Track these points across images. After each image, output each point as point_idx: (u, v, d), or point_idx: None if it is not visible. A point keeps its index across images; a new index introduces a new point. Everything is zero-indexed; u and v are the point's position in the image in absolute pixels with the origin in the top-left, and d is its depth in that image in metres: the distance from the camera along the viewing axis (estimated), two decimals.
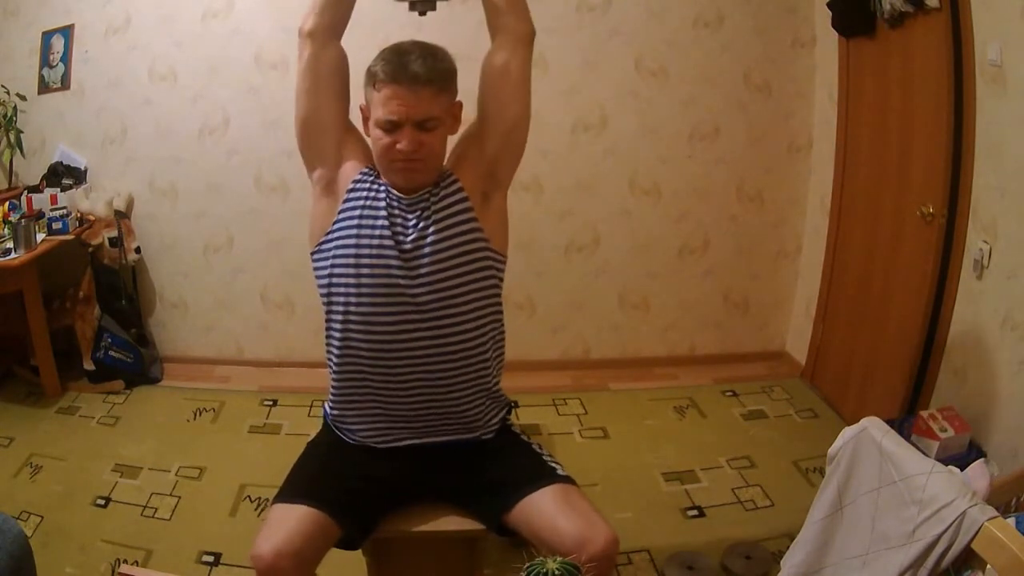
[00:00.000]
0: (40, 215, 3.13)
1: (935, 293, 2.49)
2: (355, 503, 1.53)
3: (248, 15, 3.15)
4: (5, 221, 3.03)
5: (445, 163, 1.60)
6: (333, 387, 1.64)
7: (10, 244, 2.95)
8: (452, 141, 1.61)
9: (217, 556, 2.24)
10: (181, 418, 3.09)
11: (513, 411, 2.01)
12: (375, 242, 1.52)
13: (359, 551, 1.63)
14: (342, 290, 1.54)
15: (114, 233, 3.25)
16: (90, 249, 3.24)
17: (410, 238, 1.52)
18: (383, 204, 1.54)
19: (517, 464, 1.59)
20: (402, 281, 1.51)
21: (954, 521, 1.39)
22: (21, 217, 3.04)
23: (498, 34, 1.58)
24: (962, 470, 1.56)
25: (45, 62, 3.29)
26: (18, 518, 2.24)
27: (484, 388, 1.62)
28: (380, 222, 1.52)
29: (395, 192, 1.55)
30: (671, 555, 2.23)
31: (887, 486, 1.58)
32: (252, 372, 3.47)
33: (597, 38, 3.19)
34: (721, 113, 3.30)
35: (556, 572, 1.01)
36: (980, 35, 2.23)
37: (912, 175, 2.63)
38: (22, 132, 3.32)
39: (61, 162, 3.35)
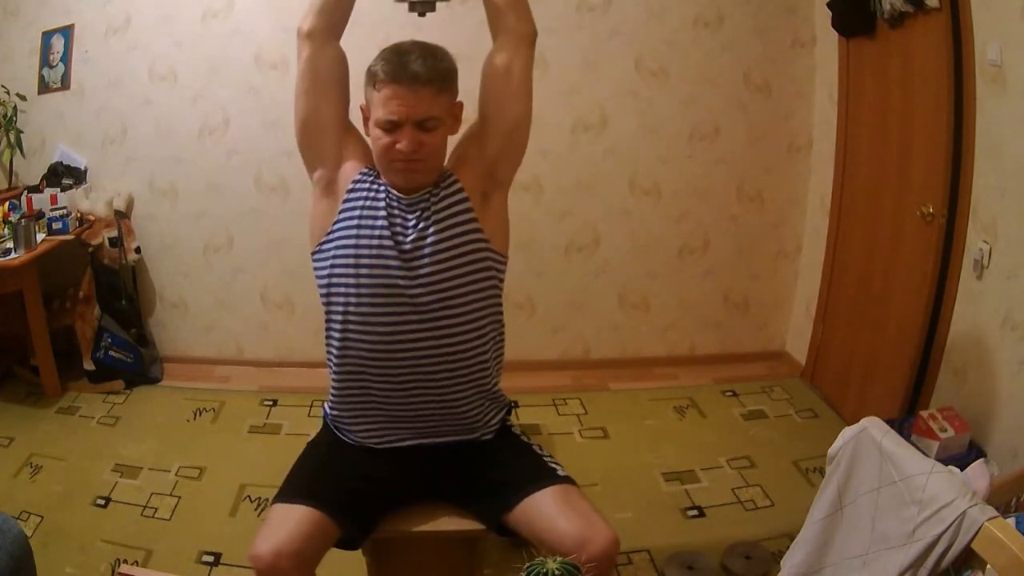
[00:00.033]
0: (40, 215, 3.13)
1: (935, 293, 2.49)
2: (355, 503, 1.53)
3: (248, 15, 3.15)
4: (5, 221, 3.03)
5: (445, 163, 1.60)
6: (333, 387, 1.64)
7: (10, 244, 2.95)
8: (453, 141, 1.61)
9: (217, 556, 2.24)
10: (181, 418, 3.09)
11: (513, 411, 2.01)
12: (374, 242, 1.52)
13: (359, 551, 1.63)
14: (342, 290, 1.54)
15: (114, 233, 3.25)
16: (90, 249, 3.24)
17: (410, 238, 1.52)
18: (383, 204, 1.54)
19: (517, 465, 1.59)
20: (401, 281, 1.51)
21: (954, 521, 1.39)
22: (21, 217, 3.04)
23: (500, 34, 1.58)
24: (962, 470, 1.56)
25: (45, 62, 3.29)
26: (18, 518, 2.24)
27: (483, 389, 1.62)
28: (379, 222, 1.52)
29: (395, 192, 1.55)
30: (671, 555, 2.23)
31: (887, 486, 1.58)
32: (252, 372, 3.47)
33: (597, 38, 3.19)
34: (721, 113, 3.30)
35: (556, 572, 1.01)
36: (980, 35, 2.23)
37: (912, 175, 2.63)
38: (22, 132, 3.32)
39: (61, 162, 3.35)
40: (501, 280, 1.62)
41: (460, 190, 1.56)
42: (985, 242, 2.24)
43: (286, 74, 3.13)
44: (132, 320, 3.43)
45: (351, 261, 1.53)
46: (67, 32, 3.24)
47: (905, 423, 2.17)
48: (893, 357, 2.72)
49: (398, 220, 1.53)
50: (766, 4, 3.21)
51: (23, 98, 3.28)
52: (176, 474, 2.67)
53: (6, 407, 3.10)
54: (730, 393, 3.33)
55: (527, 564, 1.03)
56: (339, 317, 1.55)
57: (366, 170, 1.59)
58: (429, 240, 1.51)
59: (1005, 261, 2.17)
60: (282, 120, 2.98)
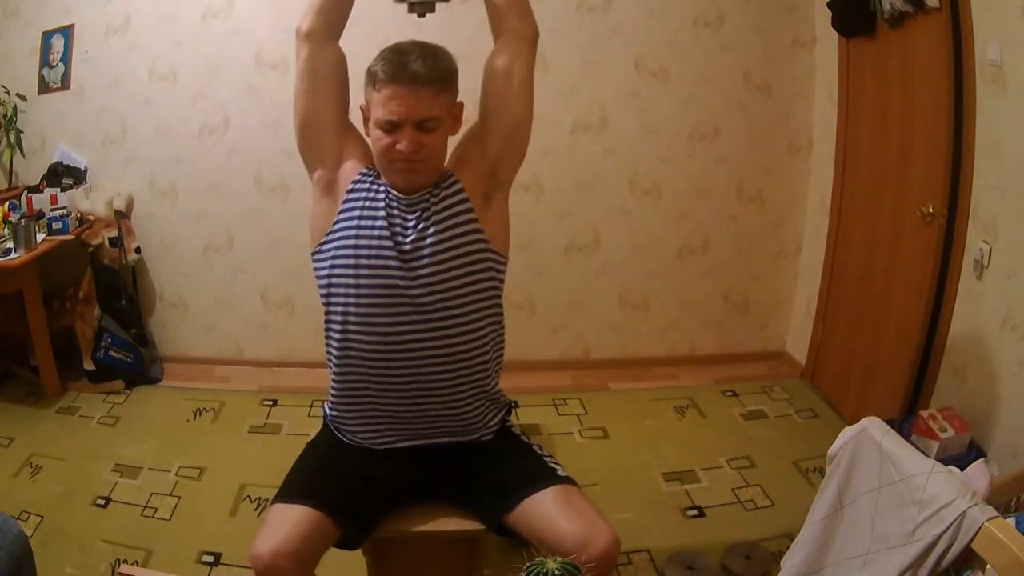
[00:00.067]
0: (40, 215, 3.13)
1: (935, 293, 2.49)
2: (354, 503, 1.53)
3: (248, 15, 3.16)
4: (5, 221, 3.03)
5: (446, 164, 1.60)
6: (333, 388, 1.64)
7: (10, 244, 2.95)
8: (453, 142, 1.60)
9: (217, 556, 2.24)
10: (181, 418, 3.09)
11: (513, 411, 2.01)
12: (374, 242, 1.52)
13: (359, 551, 1.63)
14: (341, 290, 1.54)
15: (114, 233, 3.25)
16: (90, 249, 3.24)
17: (409, 239, 1.52)
18: (382, 204, 1.54)
19: (517, 465, 1.59)
20: (401, 282, 1.51)
21: (954, 521, 1.39)
22: (21, 217, 3.04)
23: (501, 35, 1.57)
24: (962, 470, 1.56)
25: (45, 62, 3.29)
26: (18, 518, 2.24)
27: (483, 389, 1.62)
28: (379, 222, 1.52)
29: (394, 192, 1.55)
30: (671, 555, 2.23)
31: (887, 486, 1.58)
32: (252, 372, 3.47)
33: (597, 38, 3.19)
34: (721, 113, 3.30)
35: (556, 572, 1.01)
36: (980, 35, 2.23)
37: (912, 175, 2.63)
38: (22, 132, 3.32)
39: (61, 162, 3.35)
40: (501, 280, 1.62)
41: (461, 191, 1.56)
42: (985, 242, 2.24)
43: (286, 74, 3.13)
44: (132, 320, 3.43)
45: (351, 261, 1.53)
46: (67, 32, 3.24)
47: (905, 423, 2.17)
48: (893, 357, 2.72)
49: (398, 220, 1.53)
50: (766, 4, 3.21)
51: (23, 98, 3.28)
52: (176, 474, 2.67)
53: (6, 407, 3.10)
54: (730, 393, 3.33)
55: (527, 564, 1.03)
56: (339, 317, 1.55)
57: (366, 170, 1.58)
58: (429, 240, 1.51)
59: (1005, 261, 2.17)
60: (282, 120, 2.98)
